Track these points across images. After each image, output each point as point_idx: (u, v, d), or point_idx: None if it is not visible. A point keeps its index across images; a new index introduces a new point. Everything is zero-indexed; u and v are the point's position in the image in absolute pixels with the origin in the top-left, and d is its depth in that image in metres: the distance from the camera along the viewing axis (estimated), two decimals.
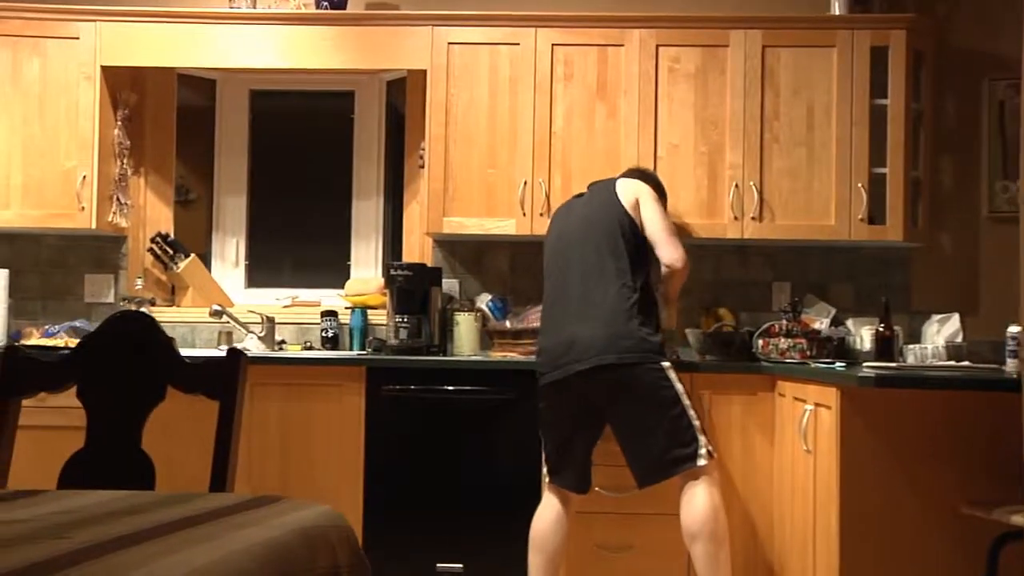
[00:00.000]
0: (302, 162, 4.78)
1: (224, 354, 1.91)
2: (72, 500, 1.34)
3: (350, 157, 4.69)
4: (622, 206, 3.43)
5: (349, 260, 4.69)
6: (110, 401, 1.75)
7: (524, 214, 4.06)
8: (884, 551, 2.83)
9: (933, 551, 2.85)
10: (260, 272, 4.73)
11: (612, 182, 3.58)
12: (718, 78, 4.04)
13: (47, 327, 4.18)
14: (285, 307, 4.52)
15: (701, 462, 3.15)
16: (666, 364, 3.23)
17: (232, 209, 4.70)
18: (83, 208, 4.07)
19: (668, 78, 4.05)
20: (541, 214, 4.04)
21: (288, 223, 4.75)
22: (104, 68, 4.13)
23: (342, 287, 4.59)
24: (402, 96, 4.63)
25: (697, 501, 3.15)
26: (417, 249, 4.47)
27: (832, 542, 2.85)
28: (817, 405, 3.06)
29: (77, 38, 4.10)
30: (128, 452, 1.73)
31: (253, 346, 4.08)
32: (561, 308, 3.38)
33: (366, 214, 4.68)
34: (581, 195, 3.66)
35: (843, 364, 3.44)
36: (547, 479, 3.44)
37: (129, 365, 1.78)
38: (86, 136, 4.11)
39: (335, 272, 4.68)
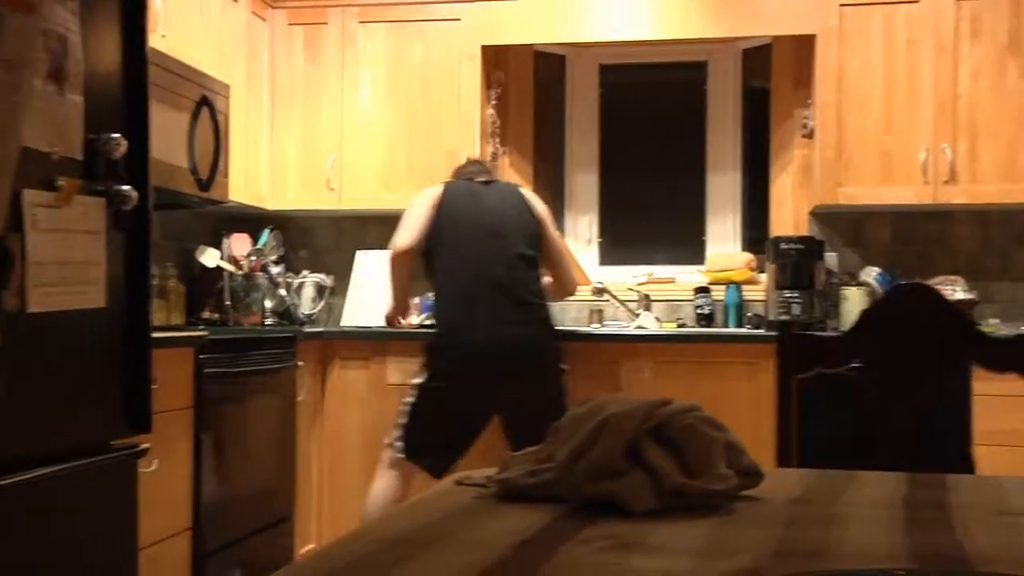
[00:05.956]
0: (652, 136, 4.70)
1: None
2: None
3: (703, 130, 4.59)
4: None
5: (704, 235, 4.59)
6: (898, 379, 1.69)
7: (926, 182, 3.85)
8: None
9: None
10: (612, 249, 4.69)
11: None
12: None
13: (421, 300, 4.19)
14: (640, 284, 4.46)
15: None
16: None
17: (584, 187, 4.67)
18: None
19: None
20: (945, 182, 3.83)
21: (639, 199, 4.69)
22: (482, 48, 4.14)
23: (695, 263, 4.51)
24: (756, 65, 4.50)
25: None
26: (788, 222, 4.32)
27: None
28: None
29: (459, 19, 4.13)
30: (921, 433, 1.65)
31: (649, 324, 4.03)
32: None
33: (721, 188, 4.56)
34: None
35: None
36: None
37: (920, 340, 1.71)
38: (467, 117, 4.14)
39: (688, 248, 4.59)
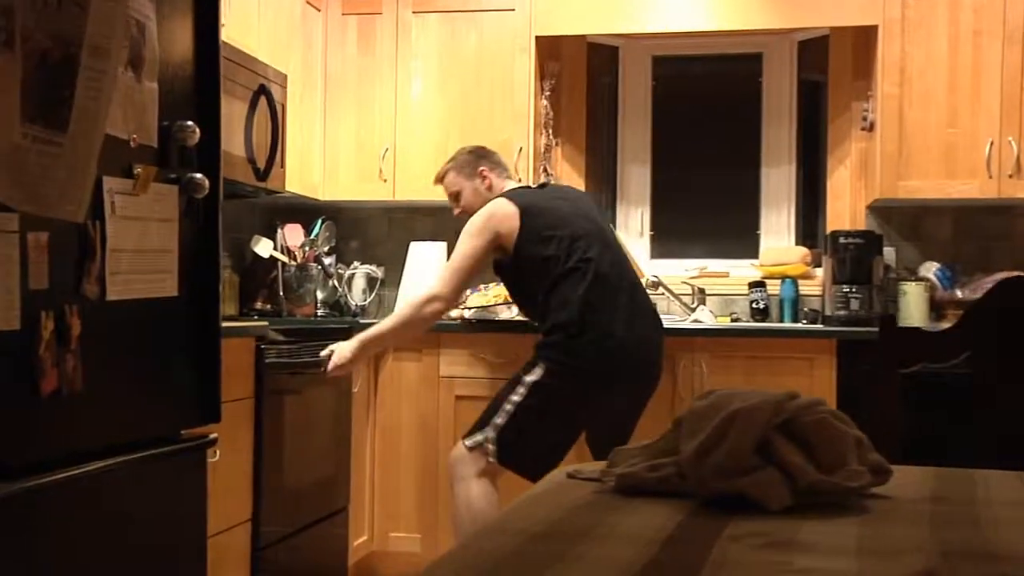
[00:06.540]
0: (706, 129, 4.65)
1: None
2: None
3: (758, 122, 4.52)
4: None
5: (758, 229, 4.53)
6: (1006, 374, 1.65)
7: (990, 176, 3.78)
8: None
9: None
10: (664, 242, 4.64)
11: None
12: None
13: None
14: (692, 278, 4.40)
15: None
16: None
17: (636, 179, 4.62)
18: (519, 181, 4.06)
19: None
20: (1010, 176, 3.75)
21: (692, 192, 4.63)
22: (536, 39, 4.10)
23: (748, 256, 4.45)
24: (812, 57, 4.43)
25: None
26: (844, 216, 4.25)
27: None
28: None
29: (513, 9, 4.09)
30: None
31: (705, 318, 3.98)
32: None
33: (776, 181, 4.50)
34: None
35: None
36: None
37: None
38: (520, 108, 4.11)
39: (741, 241, 4.54)
